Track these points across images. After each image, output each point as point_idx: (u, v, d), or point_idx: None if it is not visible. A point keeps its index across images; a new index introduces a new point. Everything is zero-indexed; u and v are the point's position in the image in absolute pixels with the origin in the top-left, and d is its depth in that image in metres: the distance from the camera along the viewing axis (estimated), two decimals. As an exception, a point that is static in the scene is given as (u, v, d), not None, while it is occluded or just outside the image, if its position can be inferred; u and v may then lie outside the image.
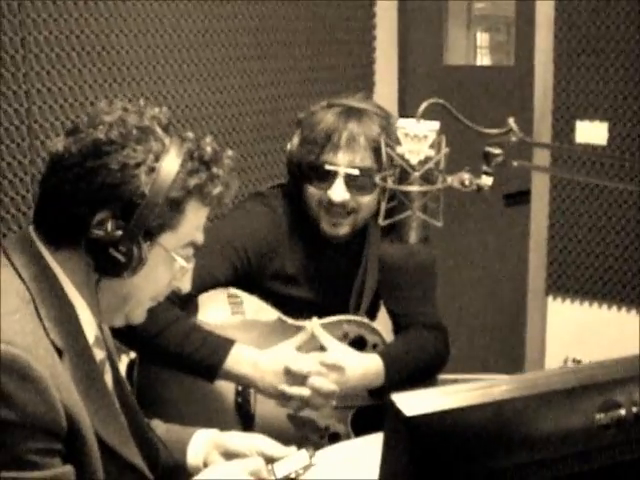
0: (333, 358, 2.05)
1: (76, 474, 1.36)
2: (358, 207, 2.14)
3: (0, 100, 2.47)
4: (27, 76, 2.54)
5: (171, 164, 1.42)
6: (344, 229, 2.18)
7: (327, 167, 2.10)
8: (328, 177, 2.12)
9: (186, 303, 2.09)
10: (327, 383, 2.03)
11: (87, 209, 1.39)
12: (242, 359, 2.01)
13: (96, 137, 1.40)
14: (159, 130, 1.45)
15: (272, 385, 2.01)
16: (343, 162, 2.10)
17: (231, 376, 2.02)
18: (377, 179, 1.56)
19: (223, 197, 1.50)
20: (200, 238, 1.52)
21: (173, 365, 2.05)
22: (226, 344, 2.02)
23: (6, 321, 1.32)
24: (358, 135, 2.09)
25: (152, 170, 1.41)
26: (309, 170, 2.14)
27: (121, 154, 1.39)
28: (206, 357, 1.99)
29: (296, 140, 2.18)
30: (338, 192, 2.11)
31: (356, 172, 2.09)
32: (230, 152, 1.53)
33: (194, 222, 1.49)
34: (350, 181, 2.10)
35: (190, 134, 1.50)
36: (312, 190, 2.15)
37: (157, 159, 1.42)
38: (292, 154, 2.19)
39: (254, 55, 3.30)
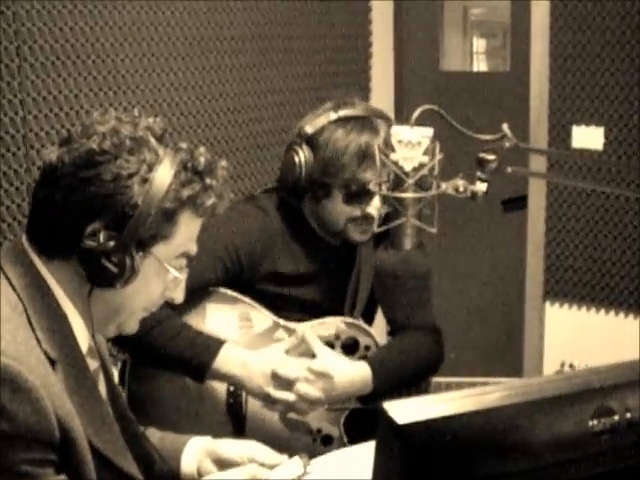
0: (321, 366, 2.05)
1: (70, 484, 1.36)
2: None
3: (-5, 109, 2.48)
4: (22, 85, 2.54)
5: (164, 175, 1.41)
6: (370, 234, 2.19)
7: (368, 187, 2.10)
8: (364, 194, 2.12)
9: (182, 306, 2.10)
10: (313, 390, 2.04)
11: (79, 220, 1.39)
12: (231, 359, 2.02)
13: (89, 147, 1.39)
14: (153, 140, 1.44)
15: (259, 386, 2.03)
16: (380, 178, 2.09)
17: (220, 375, 2.03)
18: (371, 186, 1.56)
19: (216, 208, 1.49)
20: (193, 249, 1.51)
21: (163, 364, 2.06)
22: (215, 343, 2.03)
23: None
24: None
25: (145, 181, 1.40)
26: (343, 189, 2.13)
27: (114, 165, 1.39)
28: (195, 356, 2.01)
29: (309, 157, 2.14)
30: (377, 208, 2.11)
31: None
32: (224, 162, 1.51)
33: (187, 233, 1.48)
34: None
35: (184, 144, 1.48)
36: (343, 207, 2.14)
37: (150, 170, 1.41)
38: (304, 170, 2.14)
39: (249, 63, 3.30)
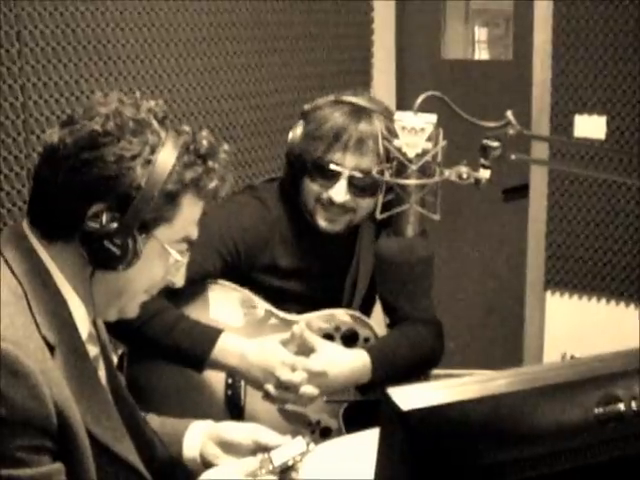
0: (318, 365, 2.04)
1: (67, 472, 1.35)
2: (357, 208, 2.13)
3: (-4, 94, 2.46)
4: (23, 70, 2.53)
5: (167, 157, 1.41)
6: (339, 226, 2.16)
7: (333, 167, 2.08)
8: (331, 176, 2.09)
9: (185, 297, 2.09)
10: (311, 389, 2.03)
11: (82, 201, 1.38)
12: (229, 349, 2.01)
13: (92, 128, 1.39)
14: (155, 123, 1.43)
15: (258, 380, 2.02)
16: (350, 164, 2.07)
17: (219, 366, 2.03)
18: (374, 172, 1.56)
19: (219, 191, 1.49)
20: (194, 233, 1.51)
21: (161, 355, 2.05)
22: (213, 333, 2.02)
23: None
24: (367, 138, 2.06)
25: (148, 162, 1.39)
26: (312, 166, 2.11)
27: (117, 146, 1.38)
28: (193, 347, 2.00)
29: (300, 132, 2.15)
30: (340, 193, 2.09)
31: (360, 175, 2.07)
32: (226, 146, 1.52)
33: (189, 216, 1.48)
34: (353, 183, 2.09)
35: (186, 127, 1.49)
36: (312, 186, 2.13)
37: (153, 152, 1.40)
38: (294, 146, 2.15)
39: (251, 49, 3.29)
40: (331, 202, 2.11)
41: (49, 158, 1.41)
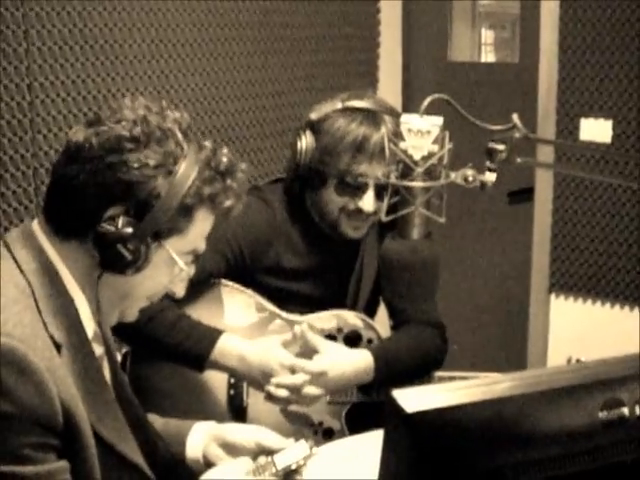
0: (317, 366, 2.04)
1: (72, 470, 1.36)
2: (379, 211, 2.13)
3: (2, 93, 2.47)
4: (30, 69, 2.53)
5: (188, 170, 1.42)
6: (364, 230, 2.18)
7: (360, 180, 2.09)
8: (358, 187, 2.10)
9: (194, 297, 2.10)
10: (313, 389, 2.03)
11: (100, 202, 1.39)
12: (229, 351, 2.02)
13: (119, 133, 1.40)
14: (179, 134, 1.45)
15: (258, 381, 2.03)
16: (375, 173, 2.07)
17: (218, 367, 2.04)
18: (379, 175, 1.56)
19: (233, 209, 1.51)
20: (202, 246, 1.53)
21: (162, 354, 2.06)
22: (213, 334, 2.03)
23: (4, 313, 1.31)
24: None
25: (170, 173, 1.41)
26: (337, 180, 2.11)
27: (142, 153, 1.39)
28: (193, 347, 2.01)
29: (311, 144, 2.14)
30: (369, 203, 2.10)
31: (387, 182, 2.07)
32: (244, 165, 1.54)
33: (201, 230, 1.49)
34: (379, 190, 2.09)
35: (207, 143, 1.50)
36: (335, 197, 2.13)
37: (175, 163, 1.42)
38: (306, 157, 2.14)
39: (257, 50, 3.29)
40: (359, 211, 2.11)
41: (72, 156, 1.42)
